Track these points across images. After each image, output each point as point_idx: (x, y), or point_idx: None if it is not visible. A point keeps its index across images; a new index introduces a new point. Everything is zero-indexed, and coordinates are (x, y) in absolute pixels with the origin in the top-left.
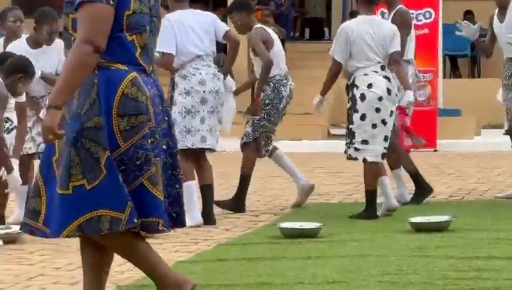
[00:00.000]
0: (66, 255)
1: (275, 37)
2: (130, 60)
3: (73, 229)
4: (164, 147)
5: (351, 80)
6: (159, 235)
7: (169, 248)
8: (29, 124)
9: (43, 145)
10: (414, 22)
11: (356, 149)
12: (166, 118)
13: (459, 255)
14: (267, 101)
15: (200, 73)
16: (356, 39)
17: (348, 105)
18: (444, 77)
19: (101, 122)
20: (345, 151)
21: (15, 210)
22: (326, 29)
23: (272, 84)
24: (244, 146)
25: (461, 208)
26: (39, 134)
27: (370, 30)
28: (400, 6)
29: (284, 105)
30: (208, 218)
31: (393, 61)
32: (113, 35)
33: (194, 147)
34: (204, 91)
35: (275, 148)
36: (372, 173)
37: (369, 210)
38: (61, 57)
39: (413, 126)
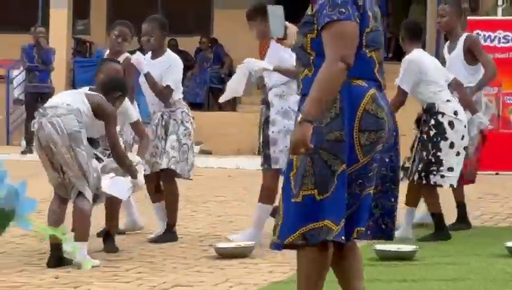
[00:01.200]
0: (161, 273)
1: None
2: (369, 75)
3: (298, 237)
4: (387, 160)
5: (434, 107)
6: (256, 255)
7: (264, 268)
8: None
9: (157, 165)
10: (501, 44)
11: (442, 176)
12: (394, 133)
13: None
14: None
15: (297, 94)
16: (428, 67)
17: (432, 132)
18: None
19: (342, 136)
20: (418, 177)
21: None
22: None
23: None
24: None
25: None
26: (153, 155)
27: (434, 58)
28: (467, 33)
29: None
30: None
31: (459, 86)
32: (356, 51)
33: None
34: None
35: None
36: (437, 195)
37: (441, 231)
38: (174, 70)
39: (499, 149)
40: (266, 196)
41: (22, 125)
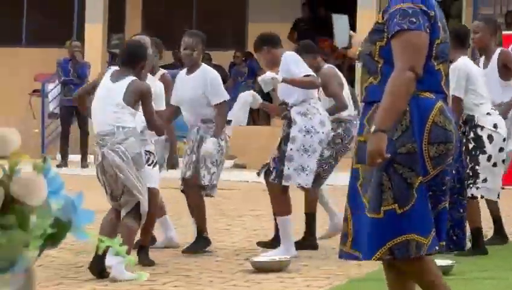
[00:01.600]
0: (198, 286)
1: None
2: (436, 88)
3: (385, 252)
4: (454, 171)
5: (474, 120)
6: (292, 269)
7: (300, 282)
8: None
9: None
10: None
11: (477, 188)
12: (458, 145)
13: None
14: (337, 141)
15: (320, 113)
16: (476, 76)
17: (471, 145)
18: None
19: (415, 148)
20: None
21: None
22: None
23: (343, 124)
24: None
25: None
26: (189, 168)
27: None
28: (501, 48)
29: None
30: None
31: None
32: (424, 63)
33: (306, 186)
34: (323, 132)
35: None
36: (478, 209)
37: (479, 247)
38: (218, 85)
39: None
40: (279, 208)
41: (56, 139)
